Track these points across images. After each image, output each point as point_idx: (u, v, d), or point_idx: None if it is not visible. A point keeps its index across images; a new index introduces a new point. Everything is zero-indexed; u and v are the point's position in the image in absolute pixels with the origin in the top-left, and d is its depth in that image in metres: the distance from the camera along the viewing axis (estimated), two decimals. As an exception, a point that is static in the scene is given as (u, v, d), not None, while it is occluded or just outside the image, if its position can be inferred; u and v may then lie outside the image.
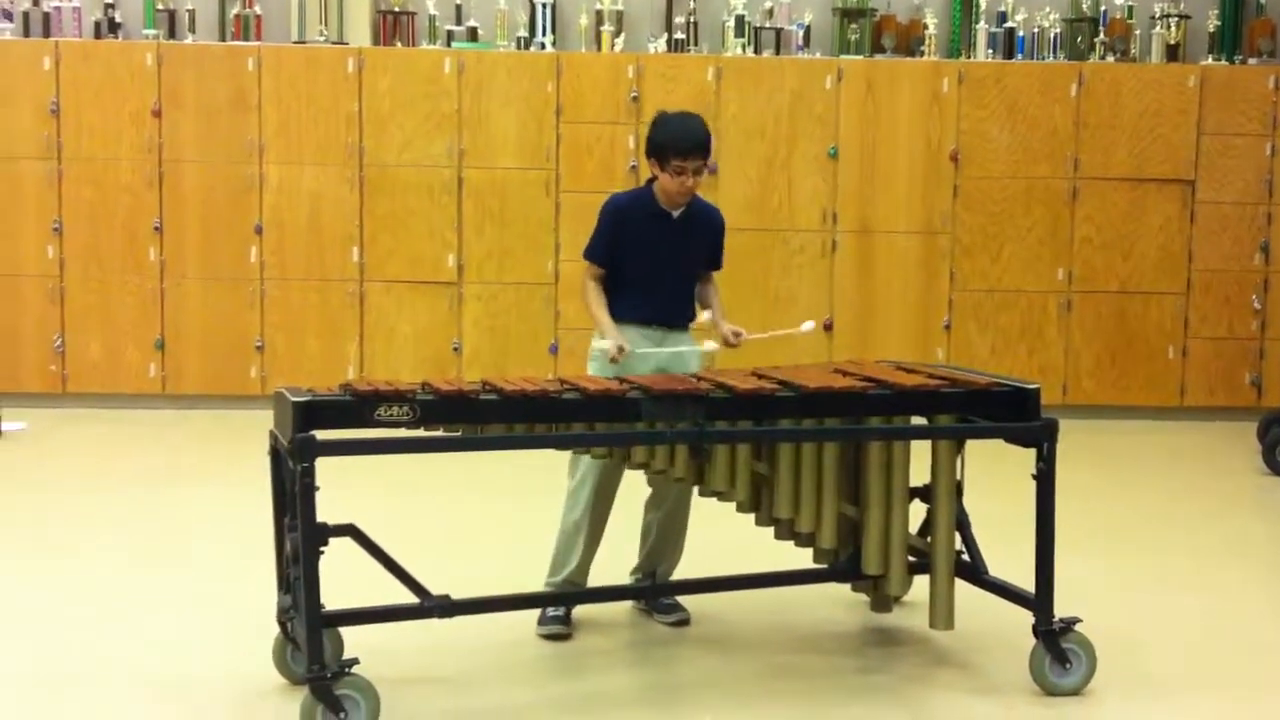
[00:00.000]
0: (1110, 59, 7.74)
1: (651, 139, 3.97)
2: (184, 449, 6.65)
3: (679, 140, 3.90)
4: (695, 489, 3.67)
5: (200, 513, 5.38)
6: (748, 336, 4.09)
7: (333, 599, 3.25)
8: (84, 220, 7.44)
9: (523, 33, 7.75)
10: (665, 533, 4.12)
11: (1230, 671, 3.78)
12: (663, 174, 3.95)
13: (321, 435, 3.14)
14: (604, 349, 3.88)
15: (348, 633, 3.51)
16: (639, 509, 4.15)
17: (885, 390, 3.55)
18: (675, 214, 4.03)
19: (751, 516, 3.72)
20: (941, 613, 3.63)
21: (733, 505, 3.67)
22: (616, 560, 4.16)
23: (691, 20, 7.80)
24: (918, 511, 3.76)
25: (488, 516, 5.42)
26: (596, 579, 4.04)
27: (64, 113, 7.38)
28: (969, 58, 7.78)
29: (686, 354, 4.01)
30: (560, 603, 3.96)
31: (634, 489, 4.11)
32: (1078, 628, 3.54)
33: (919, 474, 3.68)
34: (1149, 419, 7.67)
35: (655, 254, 4.01)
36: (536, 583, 4.04)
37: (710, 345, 4.06)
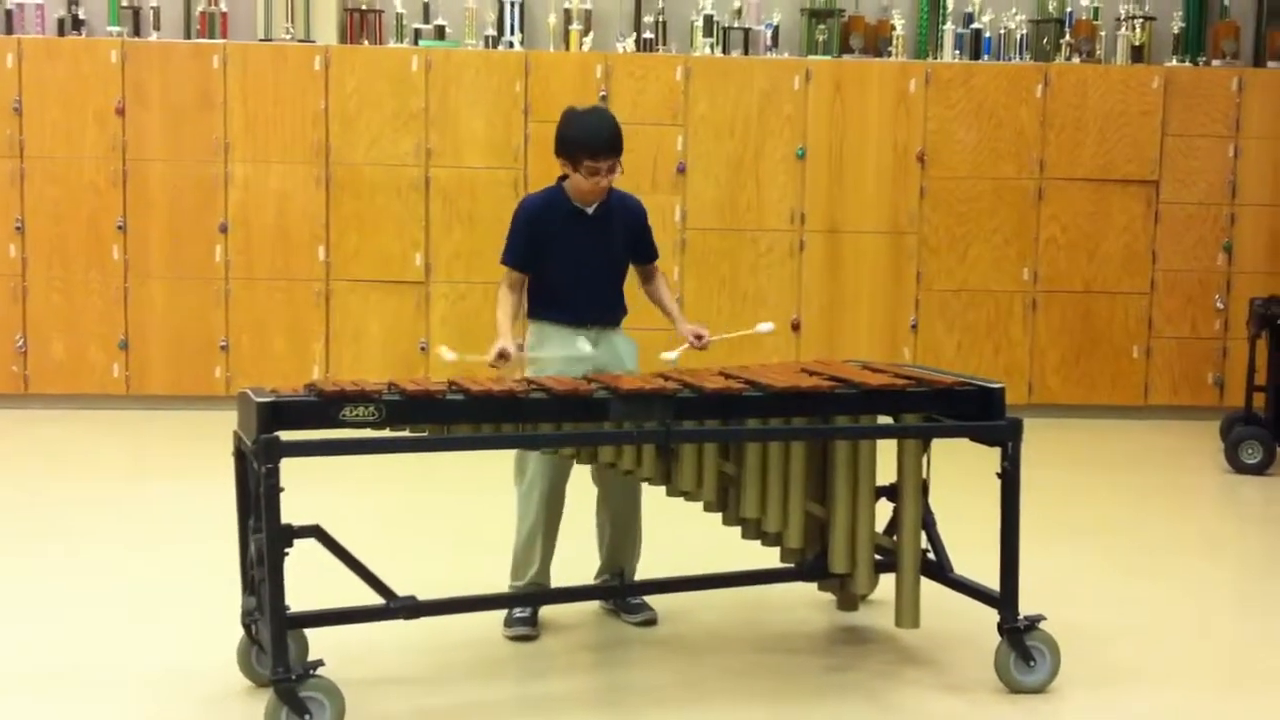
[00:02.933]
0: (1076, 60, 7.79)
1: (562, 137, 3.90)
2: (148, 450, 6.60)
3: (591, 140, 3.85)
4: (659, 486, 3.65)
5: (164, 514, 5.34)
6: (711, 338, 4.06)
7: (297, 600, 3.22)
8: (47, 219, 7.37)
9: (491, 31, 7.74)
10: (620, 529, 4.10)
11: (1194, 667, 3.81)
12: (575, 174, 3.90)
13: (286, 436, 3.12)
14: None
15: (313, 634, 3.49)
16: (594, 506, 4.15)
17: (852, 389, 3.55)
18: (590, 210, 3.99)
19: (718, 516, 3.72)
20: (907, 611, 3.64)
21: (700, 505, 3.66)
22: (581, 561, 4.15)
23: (660, 20, 7.81)
24: (884, 510, 3.77)
25: (454, 517, 5.40)
26: (561, 580, 4.03)
27: (27, 110, 7.31)
28: (936, 58, 7.81)
29: (606, 342, 3.96)
30: (527, 603, 3.95)
31: (590, 486, 4.10)
32: (1042, 625, 3.56)
33: (885, 473, 3.70)
34: (1113, 418, 7.73)
35: (576, 253, 3.96)
36: (502, 583, 4.03)
37: (671, 355, 3.96)
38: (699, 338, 4.05)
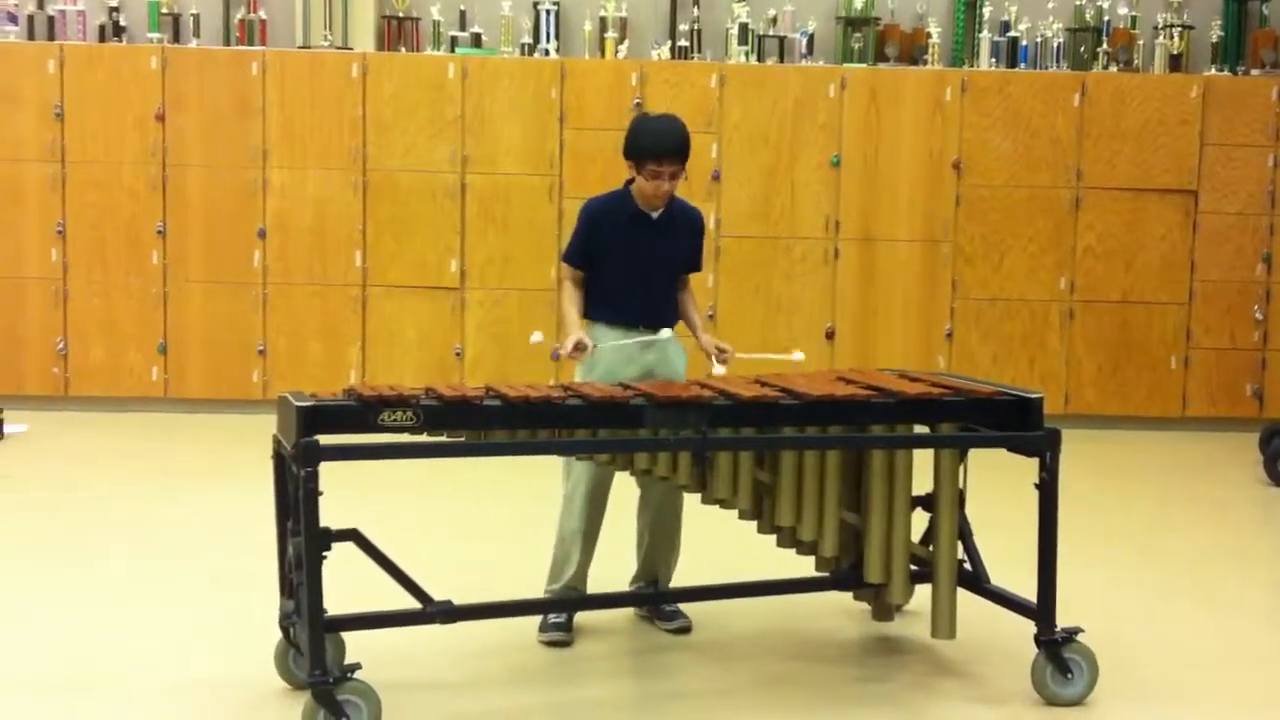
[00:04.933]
0: (1113, 69, 7.75)
1: (629, 141, 3.95)
2: (186, 452, 6.65)
3: (656, 144, 3.89)
4: (689, 493, 3.66)
5: (202, 516, 5.38)
6: (735, 355, 4.05)
7: (335, 604, 3.24)
8: (87, 223, 7.45)
9: (526, 39, 7.77)
10: (657, 536, 4.11)
11: (1232, 682, 3.78)
12: (639, 176, 3.94)
13: (325, 440, 3.14)
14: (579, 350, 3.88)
15: (350, 637, 3.51)
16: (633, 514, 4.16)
17: (888, 398, 3.55)
18: (654, 215, 4.01)
19: (754, 524, 3.72)
20: (943, 622, 3.63)
21: (735, 513, 3.66)
22: (616, 567, 4.15)
23: (695, 27, 7.82)
24: (920, 520, 3.75)
25: (490, 522, 5.42)
26: (597, 586, 4.04)
27: (68, 116, 7.39)
28: (972, 67, 7.79)
29: (660, 343, 3.96)
30: (562, 609, 3.95)
31: (629, 494, 4.10)
32: (1080, 637, 3.54)
33: (921, 483, 3.68)
34: (1150, 429, 7.67)
35: (636, 256, 3.99)
36: (538, 588, 4.04)
37: (718, 372, 3.95)
38: (721, 352, 4.03)
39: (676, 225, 4.07)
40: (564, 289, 4.08)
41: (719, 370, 3.98)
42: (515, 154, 7.47)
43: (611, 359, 3.93)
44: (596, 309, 4.05)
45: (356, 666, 3.19)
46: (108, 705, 3.43)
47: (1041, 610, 3.54)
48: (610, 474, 3.94)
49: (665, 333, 3.95)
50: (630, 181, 4.02)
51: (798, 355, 4.18)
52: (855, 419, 3.54)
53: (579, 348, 3.85)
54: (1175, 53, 7.80)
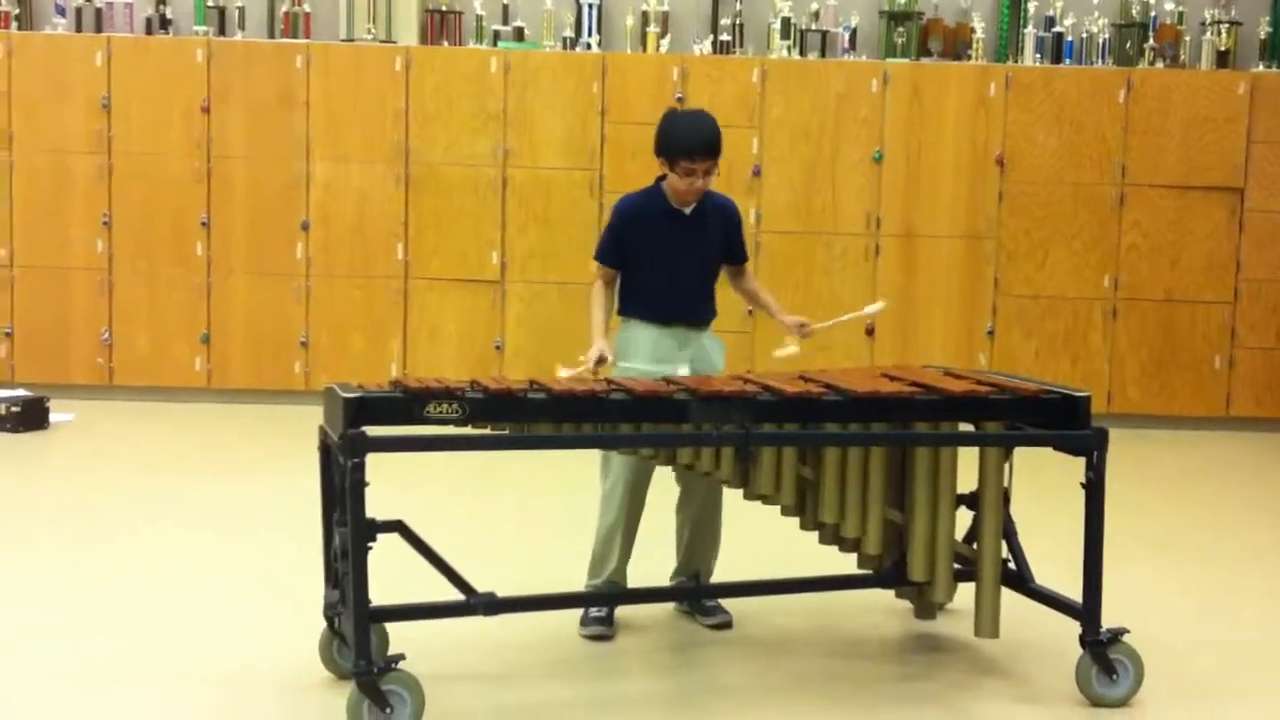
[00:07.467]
0: (1159, 65, 7.67)
1: (660, 138, 3.93)
2: (228, 442, 6.70)
3: (687, 141, 3.87)
4: (732, 488, 3.65)
5: (246, 506, 5.43)
6: (814, 326, 4.05)
7: (379, 594, 3.26)
8: (133, 214, 7.52)
9: (569, 33, 7.77)
10: (699, 532, 4.11)
11: (1277, 682, 3.74)
12: (671, 173, 3.92)
13: (371, 431, 3.16)
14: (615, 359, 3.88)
15: (394, 628, 3.53)
16: (673, 509, 4.16)
17: (934, 395, 3.53)
18: (687, 210, 4.00)
19: (796, 520, 3.71)
20: (986, 621, 3.61)
21: (778, 509, 3.66)
22: (657, 562, 4.16)
23: (737, 22, 7.80)
24: (964, 518, 3.74)
25: (534, 514, 5.43)
26: (637, 581, 4.04)
27: (115, 108, 7.46)
28: (1016, 62, 7.73)
29: (697, 340, 3.99)
30: (603, 603, 3.96)
31: (668, 489, 4.10)
32: (1125, 638, 3.51)
33: (966, 481, 3.66)
34: (1194, 429, 7.60)
35: (669, 252, 3.98)
36: (580, 581, 4.04)
37: (788, 350, 4.02)
38: (802, 326, 4.04)
39: (709, 219, 4.06)
40: (594, 290, 4.09)
41: (791, 350, 3.97)
42: (556, 148, 7.48)
43: (650, 359, 3.92)
44: (631, 306, 4.05)
45: (400, 657, 3.20)
46: (150, 694, 3.46)
47: (1087, 610, 3.52)
48: (650, 469, 3.94)
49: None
50: (662, 178, 4.00)
51: (875, 306, 4.16)
52: (900, 416, 3.52)
53: (600, 361, 3.85)
54: (1223, 49, 7.72)
